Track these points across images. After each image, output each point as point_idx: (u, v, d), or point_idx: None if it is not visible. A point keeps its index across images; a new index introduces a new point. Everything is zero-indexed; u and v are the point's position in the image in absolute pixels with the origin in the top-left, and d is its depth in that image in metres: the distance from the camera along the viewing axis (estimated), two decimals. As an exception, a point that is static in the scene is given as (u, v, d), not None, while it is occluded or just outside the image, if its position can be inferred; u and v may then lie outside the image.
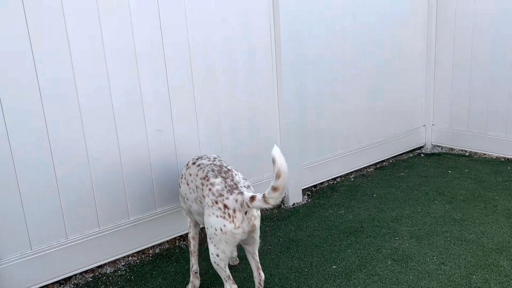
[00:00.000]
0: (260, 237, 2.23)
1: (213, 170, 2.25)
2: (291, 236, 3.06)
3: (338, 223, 3.19)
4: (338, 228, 3.13)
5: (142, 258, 2.87)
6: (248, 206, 2.05)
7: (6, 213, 2.36)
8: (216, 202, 2.10)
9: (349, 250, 2.83)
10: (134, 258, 2.86)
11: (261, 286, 2.25)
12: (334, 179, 4.02)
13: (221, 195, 2.11)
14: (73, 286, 2.61)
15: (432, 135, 4.79)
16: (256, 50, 3.22)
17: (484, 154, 4.42)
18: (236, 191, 2.10)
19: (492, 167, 4.07)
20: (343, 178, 4.06)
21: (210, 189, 2.16)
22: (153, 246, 2.96)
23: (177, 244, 3.03)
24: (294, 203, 3.59)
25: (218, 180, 2.18)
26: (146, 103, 2.74)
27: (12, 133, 2.31)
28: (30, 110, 2.34)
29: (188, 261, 2.72)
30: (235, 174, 2.23)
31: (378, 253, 2.77)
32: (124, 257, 2.85)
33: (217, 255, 2.15)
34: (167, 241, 3.02)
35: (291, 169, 3.48)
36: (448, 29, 4.43)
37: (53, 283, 2.59)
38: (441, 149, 4.72)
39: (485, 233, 2.93)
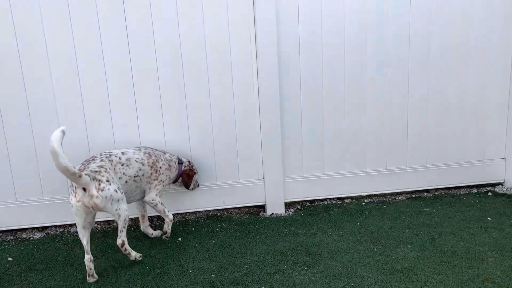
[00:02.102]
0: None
1: (87, 160, 2.71)
2: (225, 242, 3.09)
3: (279, 242, 3.04)
4: (273, 246, 2.99)
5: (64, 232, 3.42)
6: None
7: None
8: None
9: (246, 266, 2.74)
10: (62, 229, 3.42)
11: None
12: (341, 198, 3.70)
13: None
14: None
15: (515, 171, 3.75)
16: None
17: None
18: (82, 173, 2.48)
19: (553, 225, 3.02)
20: (354, 200, 3.69)
21: None
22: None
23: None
24: (272, 213, 3.53)
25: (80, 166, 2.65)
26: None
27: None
28: None
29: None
30: (93, 163, 2.61)
31: (260, 279, 2.61)
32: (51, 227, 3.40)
33: (76, 225, 2.59)
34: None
35: (272, 180, 3.43)
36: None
37: None
38: (526, 191, 3.67)
39: (392, 292, 2.38)
